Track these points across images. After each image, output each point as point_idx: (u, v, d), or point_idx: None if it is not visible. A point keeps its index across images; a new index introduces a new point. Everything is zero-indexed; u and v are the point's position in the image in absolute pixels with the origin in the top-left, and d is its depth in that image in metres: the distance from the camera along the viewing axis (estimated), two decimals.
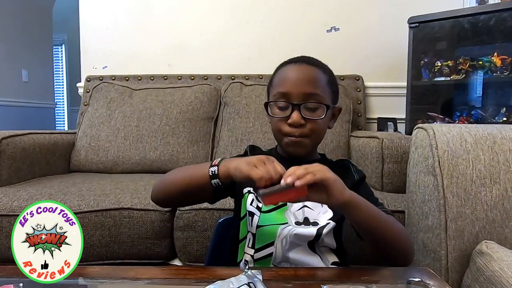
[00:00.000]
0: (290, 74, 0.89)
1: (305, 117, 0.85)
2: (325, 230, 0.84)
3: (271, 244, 0.83)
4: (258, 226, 0.85)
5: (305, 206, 0.87)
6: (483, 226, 0.91)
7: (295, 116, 0.85)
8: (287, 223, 0.85)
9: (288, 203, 0.87)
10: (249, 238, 0.87)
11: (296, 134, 0.87)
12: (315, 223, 0.85)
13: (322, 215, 0.86)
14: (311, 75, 0.88)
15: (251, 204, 0.88)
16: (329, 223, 0.85)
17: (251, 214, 0.87)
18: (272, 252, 0.83)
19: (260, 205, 0.87)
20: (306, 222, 0.86)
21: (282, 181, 0.65)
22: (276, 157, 0.85)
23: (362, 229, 0.76)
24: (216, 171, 0.76)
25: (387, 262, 0.77)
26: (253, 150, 1.01)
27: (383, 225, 0.75)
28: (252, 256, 0.84)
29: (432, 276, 0.65)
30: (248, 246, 0.86)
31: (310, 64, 0.90)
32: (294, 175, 0.64)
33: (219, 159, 0.79)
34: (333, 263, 0.84)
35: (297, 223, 0.85)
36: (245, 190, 0.91)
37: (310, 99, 0.86)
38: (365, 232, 0.76)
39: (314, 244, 0.83)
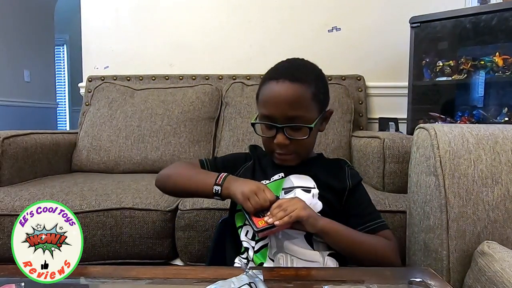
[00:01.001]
0: (271, 95, 0.89)
1: (289, 137, 0.88)
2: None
3: (264, 238, 0.87)
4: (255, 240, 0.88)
5: (296, 198, 0.89)
6: (485, 226, 0.91)
7: (280, 138, 0.88)
8: None
9: (280, 198, 0.91)
10: (247, 230, 0.90)
11: (283, 153, 0.92)
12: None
13: (312, 207, 0.88)
14: (293, 96, 0.87)
15: None
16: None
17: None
18: (268, 243, 0.86)
19: None
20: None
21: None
22: (272, 159, 0.97)
23: (337, 251, 0.86)
24: (219, 190, 0.87)
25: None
26: (254, 149, 1.06)
27: (359, 249, 0.84)
28: (252, 248, 0.87)
29: (433, 276, 0.64)
30: (246, 235, 0.90)
31: (293, 81, 0.87)
32: (275, 217, 0.78)
33: (224, 176, 0.89)
34: (329, 255, 0.86)
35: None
36: None
37: (293, 121, 0.87)
38: (340, 252, 0.86)
39: (311, 237, 0.86)
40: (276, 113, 0.88)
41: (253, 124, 0.95)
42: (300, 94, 0.87)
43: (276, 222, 0.77)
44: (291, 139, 0.88)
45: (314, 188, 0.91)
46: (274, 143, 0.90)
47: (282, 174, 0.95)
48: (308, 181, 0.92)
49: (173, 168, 1.02)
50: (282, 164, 0.95)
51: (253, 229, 0.80)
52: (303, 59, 0.98)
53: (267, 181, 0.95)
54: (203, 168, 1.01)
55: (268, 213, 0.81)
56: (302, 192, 0.90)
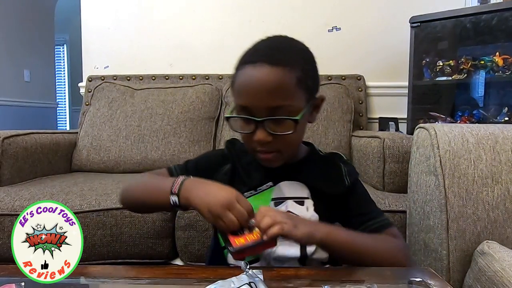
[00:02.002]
0: (249, 82, 0.73)
1: (271, 132, 0.73)
2: (310, 248, 0.78)
3: (257, 260, 0.78)
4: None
5: (288, 212, 0.78)
6: (485, 226, 0.91)
7: (260, 134, 0.73)
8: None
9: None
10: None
11: (265, 151, 0.76)
12: None
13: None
14: (274, 82, 0.71)
15: None
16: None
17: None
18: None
19: None
20: None
21: (252, 221, 0.66)
22: (255, 159, 0.82)
23: (339, 260, 0.77)
24: (177, 201, 0.71)
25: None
26: (232, 146, 0.90)
27: (365, 257, 0.72)
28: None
29: (433, 276, 0.64)
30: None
31: (273, 64, 0.72)
32: (261, 227, 0.64)
33: (180, 181, 0.73)
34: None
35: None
36: None
37: (276, 112, 0.72)
38: (344, 262, 0.76)
39: (305, 260, 0.78)
40: (254, 104, 0.72)
41: (227, 118, 0.79)
42: (282, 80, 0.72)
43: (264, 237, 0.63)
44: (273, 135, 0.73)
45: (308, 198, 0.80)
46: (253, 140, 0.74)
47: (270, 184, 0.82)
48: (301, 190, 0.82)
49: (133, 180, 0.87)
50: (267, 166, 0.81)
51: (228, 250, 0.67)
52: (286, 36, 0.82)
53: (253, 192, 0.82)
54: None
55: (252, 229, 0.66)
56: (294, 204, 0.80)
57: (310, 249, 0.78)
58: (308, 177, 0.82)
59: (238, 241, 0.65)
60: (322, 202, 0.80)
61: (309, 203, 0.80)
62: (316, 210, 0.80)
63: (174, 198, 0.71)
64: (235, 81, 0.77)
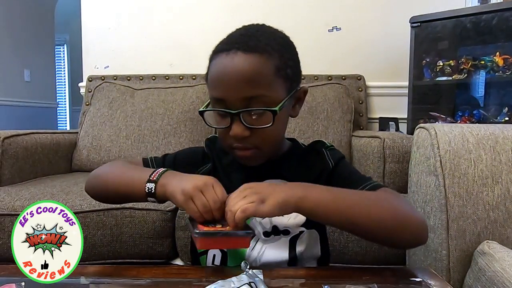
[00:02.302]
0: (222, 72, 0.68)
1: (248, 126, 0.68)
2: (299, 245, 0.74)
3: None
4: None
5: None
6: (485, 226, 0.91)
7: (236, 128, 0.67)
8: (255, 235, 0.74)
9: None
10: (214, 254, 0.76)
11: (243, 147, 0.71)
12: (286, 232, 0.75)
13: (293, 220, 0.75)
14: (249, 70, 0.66)
15: None
16: (303, 231, 0.75)
17: None
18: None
19: None
20: (276, 231, 0.75)
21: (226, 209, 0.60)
22: (236, 159, 0.76)
23: (332, 225, 0.69)
24: (153, 189, 0.66)
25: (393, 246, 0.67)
26: (212, 145, 0.85)
27: (354, 211, 0.63)
28: None
29: (433, 276, 0.64)
30: (213, 264, 0.76)
31: (248, 51, 0.67)
32: (229, 219, 0.59)
33: (161, 171, 0.68)
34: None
35: (266, 234, 0.75)
36: None
37: (252, 103, 0.67)
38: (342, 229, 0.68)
39: (295, 261, 0.75)
40: (228, 95, 0.67)
41: (201, 113, 0.73)
42: (257, 67, 0.66)
43: (233, 228, 0.59)
44: (251, 129, 0.68)
45: None
46: (230, 135, 0.69)
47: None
48: None
49: (105, 166, 0.82)
50: (247, 165, 0.75)
51: (192, 236, 0.62)
52: (263, 24, 0.76)
53: None
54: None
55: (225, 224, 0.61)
56: None
57: (299, 249, 0.75)
58: (290, 172, 0.77)
59: (205, 226, 0.60)
60: None
61: None
62: None
63: (150, 185, 0.66)
64: (208, 72, 0.73)
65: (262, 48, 0.68)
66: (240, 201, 0.59)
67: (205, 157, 0.83)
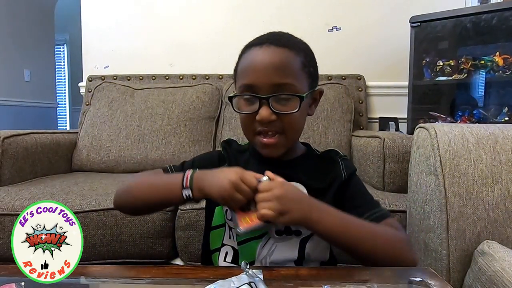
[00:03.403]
0: (254, 61, 0.74)
1: (275, 111, 0.73)
2: (309, 247, 0.77)
3: (252, 263, 0.76)
4: (239, 243, 0.79)
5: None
6: (485, 226, 0.91)
7: (264, 112, 0.72)
8: (267, 234, 0.78)
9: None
10: (226, 251, 0.80)
11: (267, 132, 0.75)
12: (298, 232, 0.78)
13: None
14: (280, 60, 0.73)
15: (230, 218, 0.80)
16: (313, 233, 0.78)
17: (230, 228, 0.81)
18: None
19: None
20: (288, 231, 0.78)
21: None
22: (251, 158, 0.85)
23: (334, 245, 0.76)
24: (190, 195, 0.71)
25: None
26: (229, 146, 0.90)
27: (360, 241, 0.70)
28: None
29: (433, 276, 0.64)
30: (225, 261, 0.79)
31: (279, 46, 0.74)
32: (258, 212, 0.66)
33: (190, 175, 0.73)
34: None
35: (278, 233, 0.78)
36: None
37: (280, 90, 0.73)
38: (343, 250, 0.73)
39: (301, 261, 0.78)
40: (259, 80, 0.73)
41: (230, 99, 0.79)
42: (288, 59, 0.74)
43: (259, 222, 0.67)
44: (277, 114, 0.73)
45: None
46: (256, 120, 0.74)
47: (266, 178, 0.78)
48: (300, 188, 0.78)
49: (131, 181, 0.85)
50: (268, 155, 0.79)
51: (236, 232, 0.70)
52: (285, 31, 0.83)
53: None
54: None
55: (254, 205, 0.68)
56: None
57: (308, 250, 0.78)
58: (305, 174, 0.81)
59: (245, 221, 0.68)
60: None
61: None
62: None
63: (187, 192, 0.71)
64: (239, 64, 0.79)
65: (292, 45, 0.76)
66: (267, 203, 0.66)
67: (221, 159, 0.87)
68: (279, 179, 0.70)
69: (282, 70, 0.73)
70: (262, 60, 0.73)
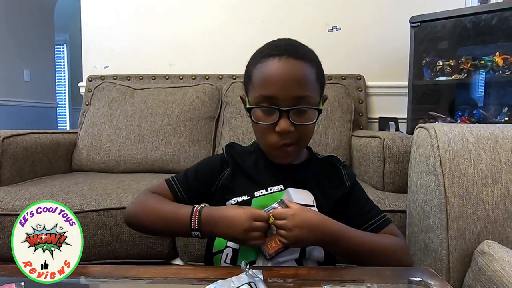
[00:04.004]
0: (274, 73, 0.76)
1: (294, 123, 0.76)
2: (309, 249, 0.80)
3: (253, 262, 0.78)
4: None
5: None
6: (485, 226, 0.91)
7: (284, 124, 0.75)
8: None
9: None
10: (227, 253, 0.81)
11: (284, 143, 0.79)
12: None
13: None
14: (300, 74, 0.76)
15: None
16: None
17: None
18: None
19: None
20: None
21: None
22: (260, 158, 0.88)
23: (344, 259, 0.80)
24: (199, 235, 0.76)
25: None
26: (232, 150, 0.92)
27: (371, 257, 0.76)
28: None
29: (433, 276, 0.64)
30: (225, 262, 0.81)
31: (298, 58, 0.76)
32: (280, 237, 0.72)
33: (197, 217, 0.75)
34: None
35: None
36: (231, 201, 0.84)
37: (300, 103, 0.76)
38: (348, 260, 0.79)
39: (301, 259, 0.79)
40: (280, 93, 0.75)
41: (249, 110, 0.80)
42: (306, 71, 0.77)
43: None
44: (296, 125, 0.76)
45: (314, 206, 0.82)
46: (275, 131, 0.76)
47: (281, 187, 0.83)
48: (308, 197, 0.83)
49: (139, 204, 0.86)
50: (279, 162, 0.84)
51: (264, 256, 0.74)
52: (295, 40, 0.86)
53: (264, 192, 0.83)
54: (172, 192, 0.87)
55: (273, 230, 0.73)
56: None
57: (309, 249, 0.79)
58: (311, 179, 0.85)
59: (271, 246, 0.73)
60: (325, 209, 0.82)
61: (314, 210, 0.81)
62: None
63: (196, 233, 0.76)
64: (257, 73, 0.79)
65: (308, 57, 0.79)
66: (282, 231, 0.71)
67: (223, 163, 0.89)
68: (294, 206, 0.74)
69: (302, 83, 0.75)
70: (283, 72, 0.75)
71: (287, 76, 0.75)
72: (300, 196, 0.83)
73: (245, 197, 0.83)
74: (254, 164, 0.88)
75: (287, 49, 0.78)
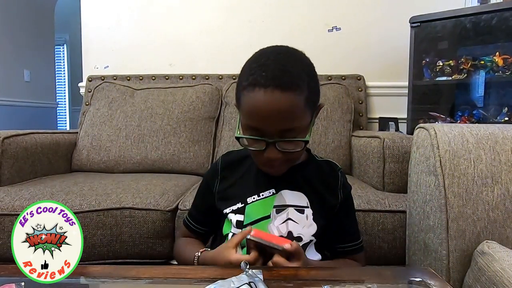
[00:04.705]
0: (260, 106, 0.73)
1: (282, 150, 0.76)
2: (307, 251, 0.83)
3: None
4: (242, 246, 0.83)
5: (289, 219, 0.84)
6: (485, 226, 0.91)
7: (270, 153, 0.76)
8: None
9: (271, 217, 0.86)
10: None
11: (273, 164, 0.80)
12: (299, 238, 0.84)
13: (307, 229, 0.84)
14: (286, 107, 0.72)
15: (236, 226, 0.86)
16: (312, 240, 0.85)
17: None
18: None
19: (241, 218, 0.87)
20: (290, 236, 0.83)
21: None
22: (253, 162, 0.88)
23: None
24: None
25: None
26: (228, 158, 0.96)
27: None
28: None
29: (433, 276, 0.64)
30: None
31: (284, 90, 0.72)
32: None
33: (196, 260, 0.85)
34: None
35: None
36: (226, 211, 0.88)
37: (287, 134, 0.75)
38: None
39: None
40: (266, 127, 0.75)
41: (238, 138, 0.80)
42: (293, 104, 0.73)
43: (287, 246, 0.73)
44: (283, 152, 0.77)
45: (308, 207, 0.85)
46: (264, 156, 0.77)
47: (273, 191, 0.86)
48: (301, 199, 0.86)
49: (175, 248, 1.03)
50: (272, 174, 0.86)
51: (284, 248, 0.75)
52: (288, 48, 0.81)
53: (256, 198, 0.86)
54: (191, 231, 0.98)
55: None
56: (295, 212, 0.84)
57: (306, 253, 0.81)
58: (307, 181, 0.88)
59: (279, 240, 0.75)
60: (318, 212, 0.86)
61: (309, 211, 0.85)
62: (314, 219, 0.85)
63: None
64: (243, 101, 0.78)
65: (296, 84, 0.74)
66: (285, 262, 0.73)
67: (214, 176, 0.94)
68: (298, 251, 0.75)
69: (287, 117, 0.74)
70: (268, 107, 0.73)
71: (272, 111, 0.73)
72: (294, 198, 0.86)
73: (239, 205, 0.87)
74: (247, 170, 0.91)
75: (274, 77, 0.73)
